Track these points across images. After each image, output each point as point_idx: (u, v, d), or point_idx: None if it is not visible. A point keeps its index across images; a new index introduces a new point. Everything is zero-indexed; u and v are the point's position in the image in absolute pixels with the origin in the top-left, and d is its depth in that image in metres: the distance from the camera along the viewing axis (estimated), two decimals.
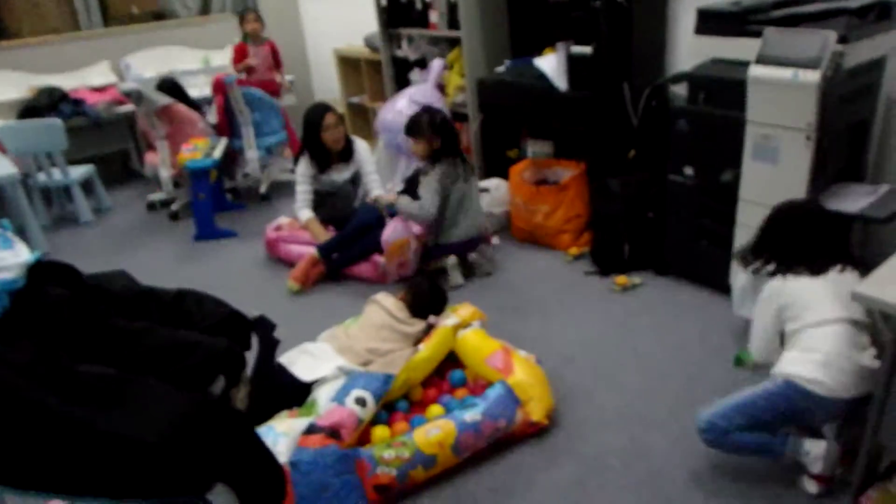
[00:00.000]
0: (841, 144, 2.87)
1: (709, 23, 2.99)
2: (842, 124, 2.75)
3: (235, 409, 1.36)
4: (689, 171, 3.16)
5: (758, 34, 2.70)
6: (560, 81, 3.82)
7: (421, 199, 3.49)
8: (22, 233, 4.31)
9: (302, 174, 3.96)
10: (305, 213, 3.94)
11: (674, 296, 3.34)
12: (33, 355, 1.13)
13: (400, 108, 4.22)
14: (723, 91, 2.90)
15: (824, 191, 2.81)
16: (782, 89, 2.61)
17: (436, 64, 4.44)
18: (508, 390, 2.45)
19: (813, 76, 2.51)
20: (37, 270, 1.25)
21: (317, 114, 3.81)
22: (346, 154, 3.95)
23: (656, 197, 3.40)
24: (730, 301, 2.87)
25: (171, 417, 1.13)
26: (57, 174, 4.85)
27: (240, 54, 5.29)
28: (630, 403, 2.60)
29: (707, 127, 3.01)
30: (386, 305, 2.88)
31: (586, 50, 3.70)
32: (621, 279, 3.48)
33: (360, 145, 4.00)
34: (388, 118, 4.25)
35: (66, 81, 5.57)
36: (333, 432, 2.23)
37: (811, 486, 2.14)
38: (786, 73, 2.58)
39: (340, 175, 3.99)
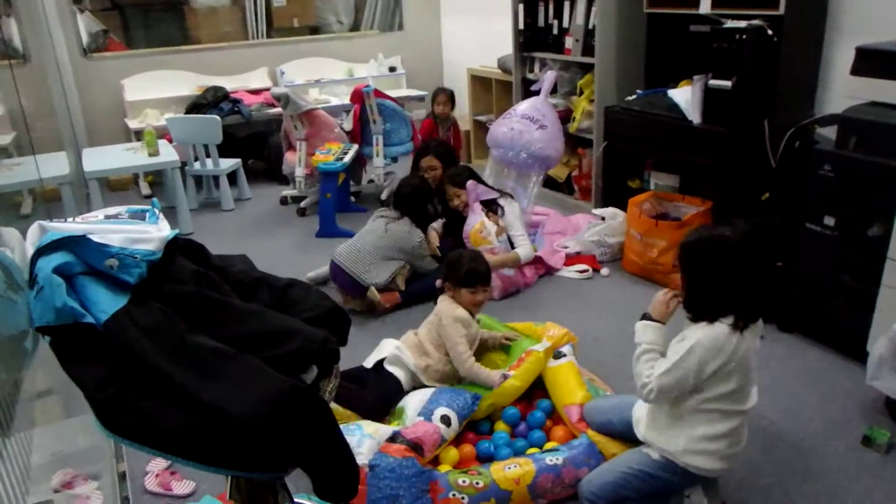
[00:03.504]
0: None
1: (869, 63, 2.57)
2: None
3: (324, 400, 1.29)
4: (830, 220, 2.66)
5: None
6: (694, 114, 3.41)
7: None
8: (174, 212, 4.46)
9: None
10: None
11: (798, 356, 2.80)
12: (158, 320, 1.16)
13: (509, 125, 3.90)
14: (881, 137, 2.45)
15: None
16: None
17: (548, 75, 4.06)
18: (592, 444, 2.13)
19: None
20: (173, 246, 1.29)
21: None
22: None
23: (788, 245, 2.88)
24: (863, 370, 2.36)
25: (267, 397, 1.12)
26: (209, 164, 4.99)
27: (426, 130, 4.97)
28: (733, 467, 2.09)
29: (856, 174, 2.54)
30: (439, 307, 2.64)
31: (725, 84, 3.28)
32: None
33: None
34: (499, 132, 3.93)
35: (229, 83, 5.77)
36: (415, 446, 2.06)
37: None
38: None
39: None
